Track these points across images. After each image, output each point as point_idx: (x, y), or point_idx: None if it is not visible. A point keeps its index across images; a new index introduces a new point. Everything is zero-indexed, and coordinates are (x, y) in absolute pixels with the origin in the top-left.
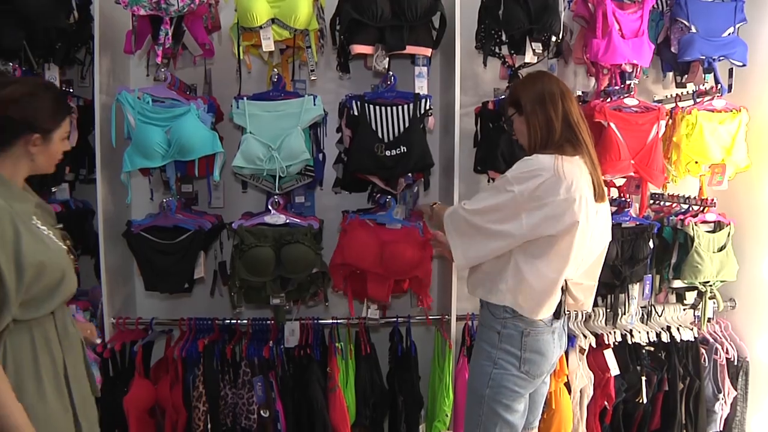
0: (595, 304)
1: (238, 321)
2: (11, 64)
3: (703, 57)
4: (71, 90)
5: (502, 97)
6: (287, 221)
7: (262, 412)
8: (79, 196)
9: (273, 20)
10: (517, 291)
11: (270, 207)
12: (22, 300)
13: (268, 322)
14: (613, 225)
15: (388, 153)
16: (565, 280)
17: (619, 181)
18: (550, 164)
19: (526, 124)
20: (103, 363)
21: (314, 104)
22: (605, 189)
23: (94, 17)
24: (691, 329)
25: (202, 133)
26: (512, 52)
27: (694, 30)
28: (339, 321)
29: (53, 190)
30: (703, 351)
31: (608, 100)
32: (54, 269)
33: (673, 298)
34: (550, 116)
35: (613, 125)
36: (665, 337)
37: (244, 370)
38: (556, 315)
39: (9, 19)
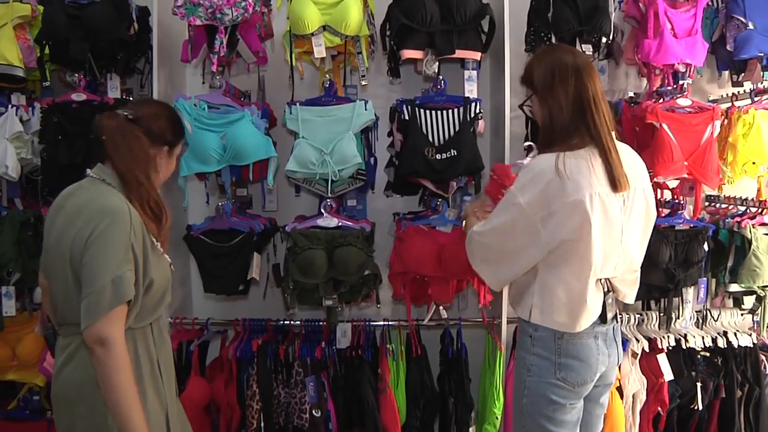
0: (648, 308)
1: (291, 322)
2: (76, 74)
3: (762, 54)
4: (131, 98)
5: None
6: (339, 224)
7: (314, 411)
8: None
9: (324, 27)
10: (549, 308)
11: (323, 210)
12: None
13: (321, 323)
14: (666, 227)
15: (438, 156)
16: (608, 279)
17: (672, 183)
18: (550, 165)
19: (540, 105)
20: None
21: (365, 109)
22: (625, 176)
23: (152, 28)
24: (750, 335)
25: (257, 139)
26: None
27: (751, 26)
28: (390, 323)
29: None
30: (764, 357)
31: (660, 101)
32: (161, 284)
33: (730, 302)
34: (559, 97)
35: (665, 126)
36: (722, 343)
37: (297, 370)
38: (602, 319)
39: (76, 32)
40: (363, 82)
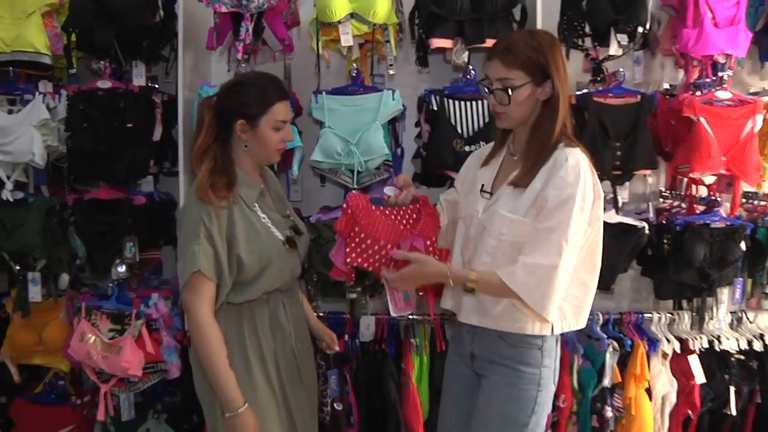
0: (680, 307)
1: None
2: (102, 62)
3: None
4: (156, 86)
5: (585, 90)
6: None
7: (335, 405)
8: (162, 188)
9: (352, 15)
10: (569, 312)
11: None
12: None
13: (344, 316)
14: (701, 225)
15: (467, 148)
16: None
17: (709, 179)
18: (585, 159)
19: (549, 101)
20: (183, 350)
21: (393, 99)
22: None
23: (178, 15)
24: None
25: None
26: (596, 44)
27: None
28: (415, 316)
29: (138, 182)
30: None
31: (698, 93)
32: (255, 260)
33: (767, 303)
34: (563, 80)
35: (703, 120)
36: (758, 346)
37: (319, 363)
38: None
39: (101, 19)
40: (391, 71)
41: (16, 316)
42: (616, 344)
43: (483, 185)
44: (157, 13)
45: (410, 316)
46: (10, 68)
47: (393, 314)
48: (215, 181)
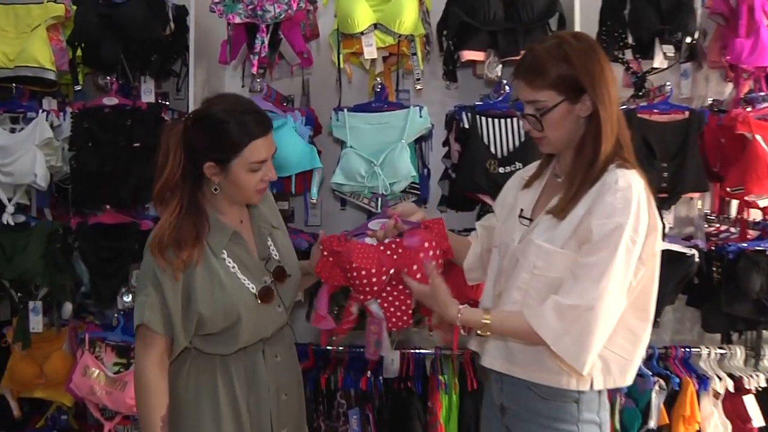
0: (729, 341)
1: (335, 348)
2: (108, 77)
3: None
4: (167, 102)
5: (626, 107)
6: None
7: None
8: None
9: (375, 26)
10: (613, 363)
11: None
12: (201, 336)
13: None
14: (757, 252)
15: (501, 170)
16: None
17: (763, 202)
18: (640, 183)
19: (592, 118)
20: None
21: (420, 116)
22: None
23: (189, 28)
24: None
25: (299, 148)
26: (638, 56)
27: None
28: (443, 351)
29: (146, 206)
30: None
31: (749, 108)
32: (223, 314)
33: None
34: (611, 94)
35: (759, 138)
36: None
37: (339, 401)
38: None
39: (108, 33)
40: (417, 86)
41: (17, 347)
42: (662, 382)
43: (522, 210)
44: (167, 26)
45: (439, 351)
46: (13, 85)
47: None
48: (180, 236)
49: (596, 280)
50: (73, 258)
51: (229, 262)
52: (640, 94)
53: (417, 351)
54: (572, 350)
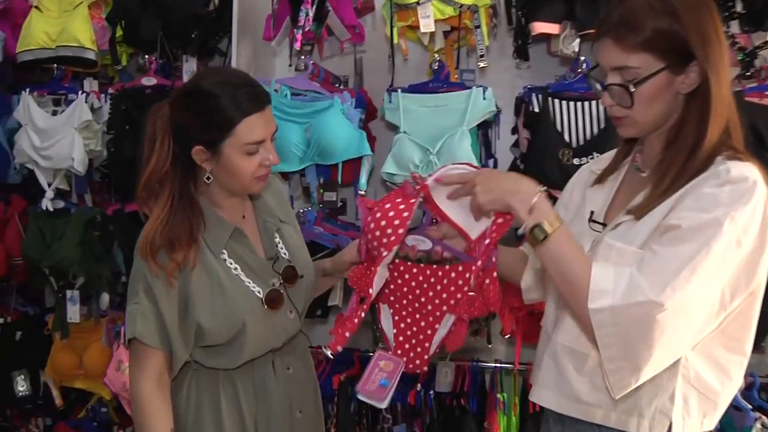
0: None
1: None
2: (147, 56)
3: None
4: None
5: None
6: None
7: None
8: None
9: None
10: (699, 404)
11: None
12: (202, 348)
13: None
14: None
15: (576, 161)
16: None
17: None
18: (762, 181)
19: (697, 94)
20: None
21: (484, 98)
22: None
23: (233, 3)
24: None
25: (347, 132)
26: (746, 28)
27: None
28: (504, 365)
29: None
30: None
31: None
32: (226, 324)
33: None
34: (725, 63)
35: None
36: None
37: (385, 416)
38: None
39: (147, 9)
40: (481, 64)
41: (57, 337)
42: (765, 419)
43: (593, 212)
44: (210, 2)
45: (500, 365)
46: (55, 66)
47: (357, 394)
48: (173, 235)
49: (673, 274)
50: (114, 247)
51: (231, 263)
52: (749, 74)
53: (474, 362)
54: (623, 355)
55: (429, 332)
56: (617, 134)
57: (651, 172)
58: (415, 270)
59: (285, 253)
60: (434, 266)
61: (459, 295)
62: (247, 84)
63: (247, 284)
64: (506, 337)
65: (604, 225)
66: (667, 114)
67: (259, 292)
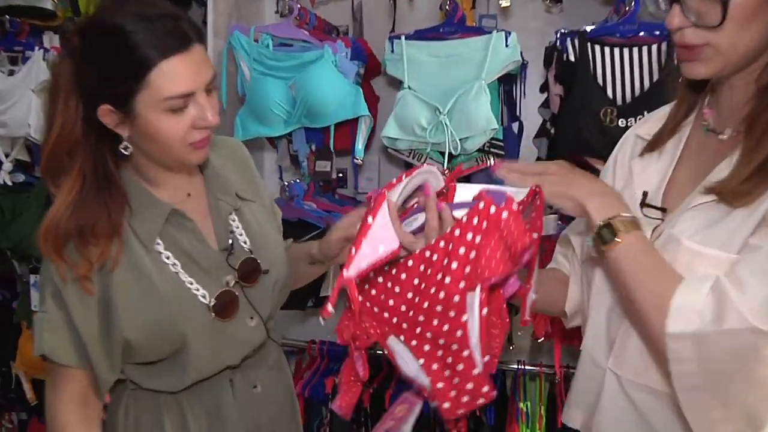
0: None
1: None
2: None
3: None
4: None
5: None
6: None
7: None
8: None
9: None
10: None
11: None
12: (136, 366)
13: None
14: None
15: (621, 123)
16: None
17: None
18: None
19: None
20: None
21: (506, 45)
22: None
23: None
24: None
25: (339, 89)
26: None
27: None
28: (528, 368)
29: None
30: None
31: None
32: (159, 338)
33: None
34: None
35: None
36: None
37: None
38: None
39: None
40: (503, 3)
41: (25, 325)
42: None
43: (646, 193)
44: None
45: (523, 367)
46: (6, 18)
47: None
48: (84, 224)
49: None
50: None
51: (168, 258)
52: None
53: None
54: (716, 403)
55: (460, 333)
56: (665, 89)
57: (734, 132)
58: (412, 263)
59: (245, 242)
60: (432, 242)
61: (472, 254)
62: (164, 15)
63: (188, 285)
64: (540, 340)
65: (664, 210)
66: (759, 48)
67: (204, 296)
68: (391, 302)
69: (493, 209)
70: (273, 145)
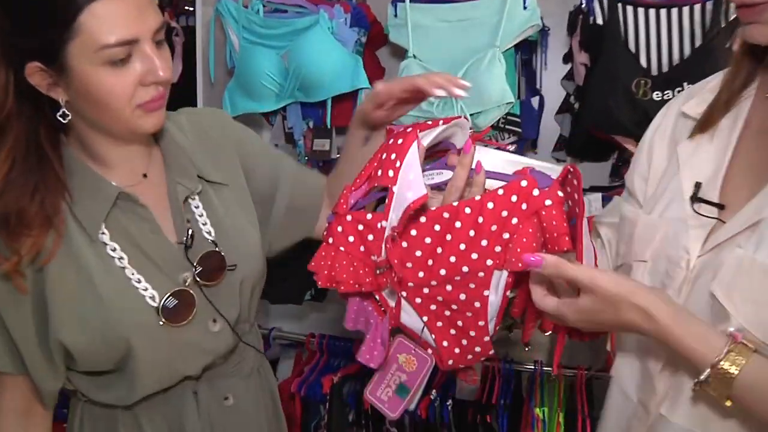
0: None
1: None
2: None
3: None
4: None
5: None
6: None
7: None
8: None
9: None
10: None
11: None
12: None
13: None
14: None
15: (656, 96)
16: None
17: None
18: None
19: None
20: None
21: (524, 7)
22: None
23: None
24: None
25: (336, 58)
26: None
27: None
28: (546, 369)
29: None
30: None
31: None
32: (101, 344)
33: None
34: None
35: None
36: None
37: (389, 428)
38: None
39: None
40: None
41: None
42: None
43: (699, 185)
44: None
45: (543, 368)
46: None
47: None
48: (10, 211)
49: None
50: None
51: (114, 251)
52: None
53: (507, 363)
54: None
55: (478, 305)
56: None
57: None
58: (425, 220)
59: (209, 232)
60: (455, 204)
61: (505, 234)
62: None
63: (135, 284)
64: (548, 334)
65: (721, 206)
66: None
67: (152, 297)
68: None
69: (536, 192)
70: (269, 123)
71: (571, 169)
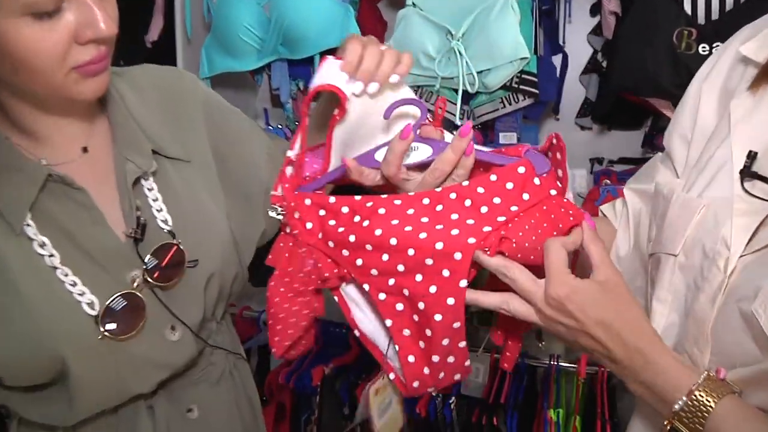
0: None
1: None
2: None
3: None
4: None
5: None
6: None
7: None
8: None
9: None
10: None
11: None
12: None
13: None
14: None
15: (703, 50)
16: None
17: None
18: None
19: None
20: None
21: None
22: None
23: None
24: None
25: (322, 8)
26: None
27: None
28: (563, 365)
29: None
30: None
31: None
32: (29, 360)
33: None
34: None
35: None
36: None
37: None
38: None
39: None
40: None
41: None
42: None
43: (753, 155)
44: None
45: (559, 363)
46: None
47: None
48: None
49: None
50: None
51: (43, 246)
52: None
53: (521, 359)
54: None
55: (452, 301)
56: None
57: None
58: (400, 203)
59: (164, 220)
60: (439, 191)
61: (501, 218)
62: None
63: (69, 287)
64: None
65: None
66: None
67: (91, 304)
68: (352, 238)
69: (537, 181)
70: (255, 82)
71: (554, 140)
